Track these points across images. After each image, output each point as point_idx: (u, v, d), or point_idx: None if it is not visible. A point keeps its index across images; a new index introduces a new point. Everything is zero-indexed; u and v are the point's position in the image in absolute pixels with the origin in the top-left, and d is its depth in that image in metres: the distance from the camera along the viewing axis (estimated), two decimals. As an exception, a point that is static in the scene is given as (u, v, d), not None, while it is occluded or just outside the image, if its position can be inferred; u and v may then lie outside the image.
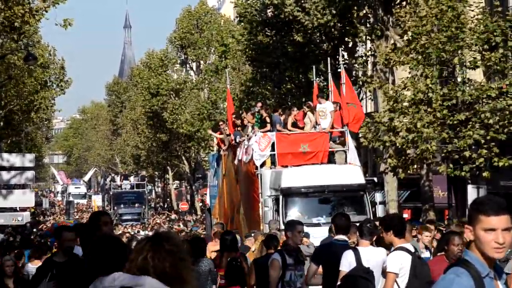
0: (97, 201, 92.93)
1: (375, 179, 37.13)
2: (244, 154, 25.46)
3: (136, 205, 75.42)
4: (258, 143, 24.10)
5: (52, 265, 9.01)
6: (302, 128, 24.96)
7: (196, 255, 11.75)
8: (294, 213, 21.95)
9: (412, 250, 9.42)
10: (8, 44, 44.03)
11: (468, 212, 4.60)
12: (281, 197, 22.28)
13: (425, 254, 13.35)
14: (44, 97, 52.90)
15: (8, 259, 9.46)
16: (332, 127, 24.49)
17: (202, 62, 71.56)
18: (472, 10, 24.72)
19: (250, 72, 47.13)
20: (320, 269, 10.53)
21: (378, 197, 23.59)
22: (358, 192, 22.56)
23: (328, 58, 29.43)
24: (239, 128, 27.52)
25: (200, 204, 73.86)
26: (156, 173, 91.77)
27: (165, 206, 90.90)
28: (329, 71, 28.17)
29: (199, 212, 70.81)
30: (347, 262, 9.50)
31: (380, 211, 22.49)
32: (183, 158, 75.36)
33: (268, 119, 25.64)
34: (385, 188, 31.59)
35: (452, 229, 13.49)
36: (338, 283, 9.52)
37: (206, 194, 57.07)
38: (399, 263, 9.11)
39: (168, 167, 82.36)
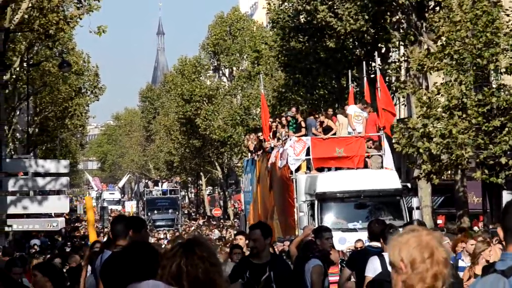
0: (127, 207, 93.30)
1: (409, 184, 36.86)
2: (278, 158, 25.42)
3: (170, 211, 75.64)
4: (293, 148, 24.03)
5: (248, 266, 8.81)
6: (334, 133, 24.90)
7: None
8: (329, 218, 21.85)
9: None
10: (43, 51, 44.46)
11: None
12: (316, 202, 22.17)
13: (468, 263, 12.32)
14: (79, 103, 53.35)
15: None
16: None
17: (234, 68, 71.69)
18: (508, 15, 24.51)
19: (283, 78, 47.11)
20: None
21: (415, 202, 23.39)
22: (395, 197, 22.41)
23: (363, 62, 29.29)
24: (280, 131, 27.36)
25: (233, 209, 73.94)
26: (189, 179, 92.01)
27: (198, 212, 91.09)
28: (364, 75, 28.02)
29: (232, 218, 70.89)
30: (372, 268, 9.45)
31: (416, 217, 22.26)
32: (216, 164, 75.50)
33: (303, 124, 25.59)
34: (418, 194, 31.39)
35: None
36: (364, 288, 9.48)
37: (239, 200, 57.14)
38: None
39: (201, 173, 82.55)
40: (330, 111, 27.03)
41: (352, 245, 16.15)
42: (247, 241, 12.34)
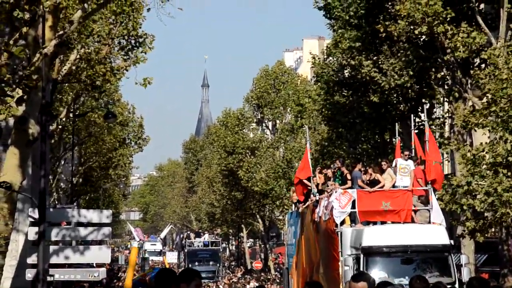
0: (168, 258, 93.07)
1: (452, 241, 36.45)
2: (323, 211, 25.23)
3: (211, 263, 75.47)
4: (339, 200, 23.79)
5: None
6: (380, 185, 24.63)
7: None
8: (375, 273, 21.52)
9: None
10: (89, 102, 45.02)
11: None
12: (362, 256, 21.87)
13: None
14: (122, 154, 53.76)
15: None
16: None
17: (278, 121, 71.98)
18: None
19: (326, 132, 47.12)
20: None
21: (463, 259, 22.85)
22: (442, 253, 22.03)
23: (412, 116, 29.24)
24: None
25: (274, 263, 73.54)
26: (231, 231, 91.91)
27: (238, 264, 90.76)
28: (412, 128, 27.93)
29: (272, 271, 70.47)
30: None
31: (465, 274, 21.75)
32: (257, 216, 75.39)
33: (349, 176, 25.47)
34: (461, 251, 30.99)
35: None
36: None
37: (280, 253, 56.80)
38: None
39: (242, 225, 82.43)
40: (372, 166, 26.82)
41: None
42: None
